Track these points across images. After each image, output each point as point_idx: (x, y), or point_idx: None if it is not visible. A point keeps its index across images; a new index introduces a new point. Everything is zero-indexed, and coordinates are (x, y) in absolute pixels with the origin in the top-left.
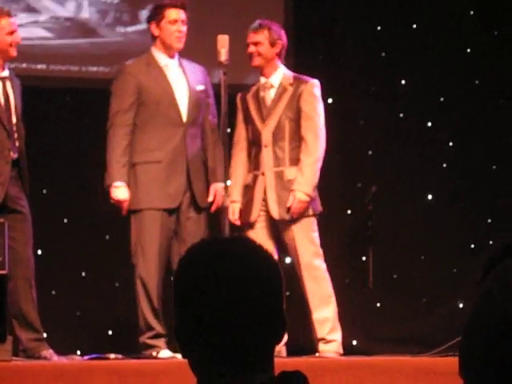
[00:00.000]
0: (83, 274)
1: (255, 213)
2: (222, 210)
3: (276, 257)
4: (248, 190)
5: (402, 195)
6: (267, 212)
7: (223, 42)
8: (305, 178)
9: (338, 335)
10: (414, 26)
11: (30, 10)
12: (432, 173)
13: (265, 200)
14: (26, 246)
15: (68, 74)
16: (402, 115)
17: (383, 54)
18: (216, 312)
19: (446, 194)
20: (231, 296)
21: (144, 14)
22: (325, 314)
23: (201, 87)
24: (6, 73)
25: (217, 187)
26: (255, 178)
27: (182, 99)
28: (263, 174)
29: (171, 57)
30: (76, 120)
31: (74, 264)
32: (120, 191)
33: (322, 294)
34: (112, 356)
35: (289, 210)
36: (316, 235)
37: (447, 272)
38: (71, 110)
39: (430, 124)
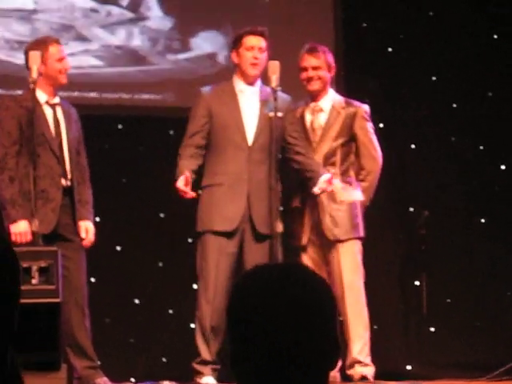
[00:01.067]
0: (136, 301)
1: (306, 235)
2: (275, 236)
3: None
4: (298, 212)
5: (454, 219)
6: (318, 234)
7: (274, 68)
8: (365, 195)
9: (370, 361)
10: (466, 50)
11: (81, 38)
12: (485, 196)
13: (317, 222)
14: (80, 274)
15: (119, 102)
16: (453, 139)
17: (434, 78)
18: (269, 338)
19: (499, 217)
20: (284, 322)
21: (194, 41)
22: (364, 337)
23: (278, 114)
24: (56, 99)
25: None
26: (304, 200)
27: (249, 124)
28: (315, 196)
29: (250, 83)
30: (128, 148)
31: (128, 291)
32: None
33: (363, 316)
34: (166, 383)
35: (352, 231)
36: (360, 258)
37: (501, 295)
38: (123, 137)
39: (481, 147)
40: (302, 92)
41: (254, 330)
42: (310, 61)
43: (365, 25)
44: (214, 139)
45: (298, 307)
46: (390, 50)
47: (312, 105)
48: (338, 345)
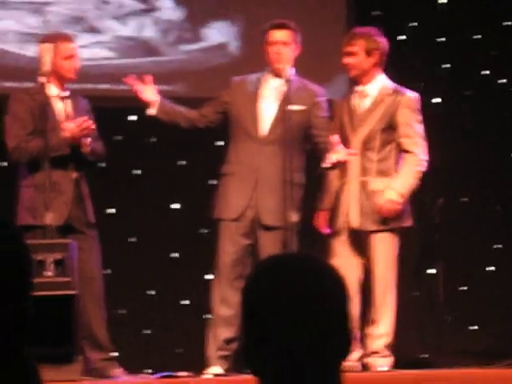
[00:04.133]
0: (151, 292)
1: (340, 222)
2: (290, 228)
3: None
4: (336, 198)
5: (469, 207)
6: (349, 221)
7: (286, 56)
8: (402, 180)
9: (390, 352)
10: (477, 38)
11: (93, 30)
12: (501, 184)
13: (348, 209)
14: (94, 265)
15: (131, 94)
16: (468, 127)
17: (446, 66)
18: (281, 329)
19: None
20: (297, 313)
21: (205, 32)
22: (386, 328)
23: (299, 107)
24: (66, 93)
25: None
26: (342, 185)
27: (266, 116)
28: (349, 182)
29: (276, 76)
30: (141, 139)
31: (143, 283)
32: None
33: (388, 308)
34: (182, 374)
35: (383, 223)
36: (394, 249)
37: None
38: (136, 129)
39: (497, 136)
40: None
41: (267, 321)
42: (346, 47)
43: (376, 13)
44: (232, 128)
45: (310, 298)
46: (400, 38)
47: (359, 89)
48: (349, 336)
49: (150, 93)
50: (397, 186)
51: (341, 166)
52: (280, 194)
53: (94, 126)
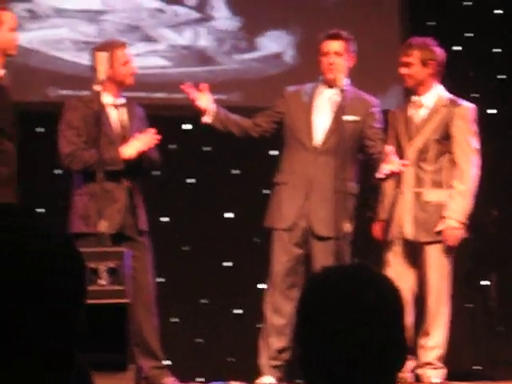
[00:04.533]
0: (204, 301)
1: (394, 232)
2: (343, 238)
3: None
4: (391, 208)
5: None
6: (403, 232)
7: (339, 66)
8: (458, 205)
9: (443, 363)
10: None
11: (148, 39)
12: None
13: (402, 219)
14: (146, 274)
15: (187, 102)
16: None
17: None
18: (337, 340)
19: None
20: (352, 324)
21: (261, 41)
22: (439, 340)
23: (353, 118)
24: (121, 100)
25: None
26: (396, 196)
27: (320, 126)
28: (403, 193)
29: (330, 86)
30: (195, 147)
31: (195, 291)
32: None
33: (441, 320)
34: (234, 383)
35: (438, 234)
36: (449, 261)
37: None
38: (190, 137)
39: None
40: (368, 91)
41: (322, 332)
42: (402, 57)
43: (431, 23)
44: (286, 138)
45: (365, 309)
46: (455, 49)
47: (414, 99)
48: (405, 346)
49: (205, 101)
50: (453, 213)
51: (394, 176)
52: (333, 203)
53: (157, 139)
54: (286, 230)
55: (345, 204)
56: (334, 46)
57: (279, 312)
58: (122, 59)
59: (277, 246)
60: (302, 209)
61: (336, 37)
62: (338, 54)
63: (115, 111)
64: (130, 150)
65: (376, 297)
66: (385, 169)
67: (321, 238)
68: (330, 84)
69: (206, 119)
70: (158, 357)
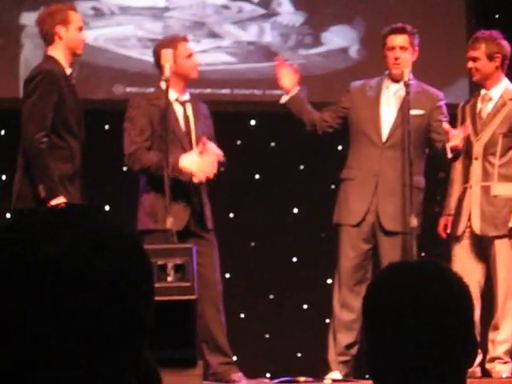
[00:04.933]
0: (271, 296)
1: (462, 226)
2: (410, 233)
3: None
4: (458, 202)
5: None
6: (471, 226)
7: (405, 61)
8: None
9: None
10: None
11: (213, 35)
12: None
13: (470, 214)
14: (213, 270)
15: (252, 98)
16: None
17: None
18: (409, 337)
19: None
20: (421, 321)
21: (325, 36)
22: (508, 334)
23: (418, 112)
24: (186, 96)
25: None
26: (465, 190)
27: (386, 121)
28: (471, 187)
29: (395, 81)
30: (261, 143)
31: (262, 287)
32: None
33: (510, 314)
34: (302, 379)
35: (506, 228)
36: None
37: None
38: (256, 133)
39: None
40: (436, 84)
41: (391, 330)
42: (469, 52)
43: (497, 16)
44: (352, 133)
45: (434, 306)
46: None
47: (483, 93)
48: (475, 343)
49: (289, 81)
50: None
51: (463, 149)
52: (400, 198)
53: (222, 158)
54: (354, 226)
55: (412, 198)
56: (400, 40)
57: (347, 307)
58: (185, 53)
59: (344, 242)
60: (370, 204)
61: (401, 31)
62: (403, 48)
63: (181, 107)
64: (189, 162)
65: (444, 292)
66: (451, 146)
67: (388, 233)
68: (396, 78)
69: (283, 99)
70: (225, 353)
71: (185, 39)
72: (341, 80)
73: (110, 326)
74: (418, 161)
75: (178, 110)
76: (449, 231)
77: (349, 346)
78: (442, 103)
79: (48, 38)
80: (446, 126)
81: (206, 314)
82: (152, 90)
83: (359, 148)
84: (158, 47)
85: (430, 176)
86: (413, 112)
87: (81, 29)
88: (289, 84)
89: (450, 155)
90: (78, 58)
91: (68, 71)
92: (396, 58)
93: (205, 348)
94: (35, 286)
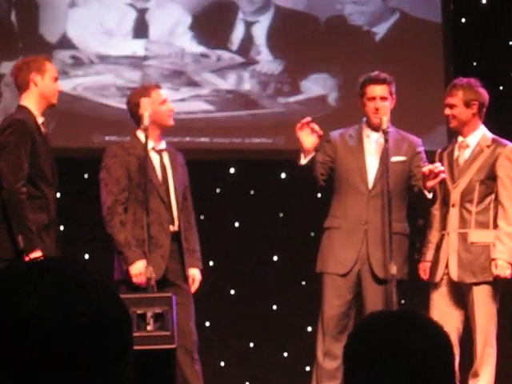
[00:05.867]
0: (251, 344)
1: (440, 273)
2: (390, 280)
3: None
4: (436, 249)
5: None
6: (449, 273)
7: (385, 110)
8: (505, 247)
9: None
10: None
11: (192, 83)
12: None
13: (447, 261)
14: (188, 319)
15: (231, 146)
16: None
17: None
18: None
19: None
20: (401, 370)
21: (304, 84)
22: (487, 381)
23: (400, 158)
24: (162, 145)
25: None
26: (442, 237)
27: (371, 169)
28: (448, 234)
29: (375, 129)
30: (240, 191)
31: (242, 335)
32: None
33: (489, 361)
34: None
35: (484, 275)
36: (495, 301)
37: None
38: (235, 181)
39: None
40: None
41: (371, 378)
42: (446, 99)
43: (475, 64)
44: (336, 182)
45: (414, 355)
46: (501, 88)
47: (460, 140)
48: None
49: (310, 142)
50: (502, 254)
51: (440, 196)
52: (389, 245)
53: None
54: (341, 276)
55: (396, 245)
56: (379, 90)
57: (331, 355)
58: (159, 99)
59: (329, 291)
60: (360, 252)
61: (381, 81)
62: (383, 98)
63: (157, 156)
64: (136, 270)
65: (424, 342)
66: (427, 186)
67: (380, 281)
68: (375, 127)
69: (302, 161)
70: None
71: (157, 86)
72: (320, 128)
73: (92, 374)
74: (402, 207)
75: (155, 158)
76: (427, 277)
77: None
78: (421, 149)
79: (23, 86)
80: (425, 169)
81: (182, 363)
82: (128, 138)
83: (344, 197)
84: (133, 97)
85: (409, 223)
86: (394, 159)
87: (56, 79)
88: (311, 145)
89: (429, 195)
90: (57, 107)
91: (40, 120)
92: (376, 109)
93: None
94: (16, 338)
